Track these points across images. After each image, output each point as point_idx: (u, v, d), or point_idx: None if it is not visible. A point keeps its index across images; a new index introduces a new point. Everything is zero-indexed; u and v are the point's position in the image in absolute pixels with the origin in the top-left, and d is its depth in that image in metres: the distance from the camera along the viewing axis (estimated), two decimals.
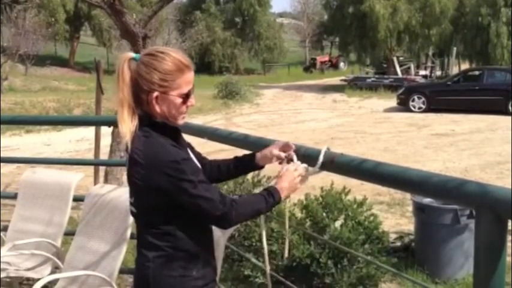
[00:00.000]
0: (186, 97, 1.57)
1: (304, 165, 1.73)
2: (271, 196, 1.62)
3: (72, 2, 29.85)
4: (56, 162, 5.42)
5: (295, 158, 1.74)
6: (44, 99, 17.34)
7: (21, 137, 12.51)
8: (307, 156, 1.79)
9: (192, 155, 1.66)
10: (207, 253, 1.64)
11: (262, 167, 1.83)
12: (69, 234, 3.21)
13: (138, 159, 1.52)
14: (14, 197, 3.56)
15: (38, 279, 2.72)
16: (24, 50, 21.09)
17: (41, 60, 26.76)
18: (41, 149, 10.79)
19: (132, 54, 1.58)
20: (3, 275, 3.06)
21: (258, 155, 1.79)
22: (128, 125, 1.53)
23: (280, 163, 1.76)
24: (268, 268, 2.03)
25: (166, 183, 1.49)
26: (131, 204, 1.63)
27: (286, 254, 1.95)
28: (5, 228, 3.51)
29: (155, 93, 1.53)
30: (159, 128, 1.55)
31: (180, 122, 1.60)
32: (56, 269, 3.15)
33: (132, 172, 1.56)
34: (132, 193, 1.60)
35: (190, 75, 1.58)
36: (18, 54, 21.00)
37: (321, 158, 1.74)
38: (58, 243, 3.19)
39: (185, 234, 1.56)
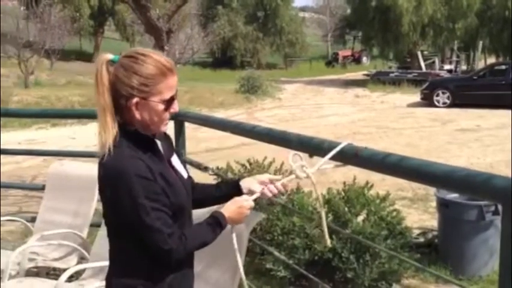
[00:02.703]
0: (168, 103, 1.46)
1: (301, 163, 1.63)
2: (219, 225, 1.53)
3: None
4: (81, 155, 5.51)
5: (299, 163, 1.62)
6: (69, 93, 17.62)
7: (47, 130, 12.75)
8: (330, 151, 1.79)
9: (172, 168, 1.54)
10: (162, 270, 1.49)
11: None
12: (95, 225, 3.28)
13: (100, 168, 1.45)
14: (42, 188, 3.64)
15: (65, 270, 2.78)
16: (50, 45, 21.43)
17: (66, 55, 27.18)
18: (67, 142, 10.97)
19: (111, 56, 1.47)
20: (31, 264, 3.14)
21: (242, 185, 1.65)
22: (111, 133, 1.42)
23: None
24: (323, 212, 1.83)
25: (117, 198, 1.41)
26: None
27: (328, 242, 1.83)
28: (33, 219, 3.60)
29: (135, 99, 1.42)
30: (130, 138, 1.44)
31: (163, 128, 1.51)
32: (82, 259, 3.22)
33: (98, 180, 1.49)
34: None
35: (173, 80, 1.46)
36: (44, 49, 21.35)
37: (326, 158, 1.68)
38: (84, 234, 3.25)
39: (137, 250, 1.46)
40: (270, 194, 1.62)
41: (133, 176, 1.38)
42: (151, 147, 1.48)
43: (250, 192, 1.62)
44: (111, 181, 1.42)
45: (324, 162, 1.72)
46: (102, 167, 1.44)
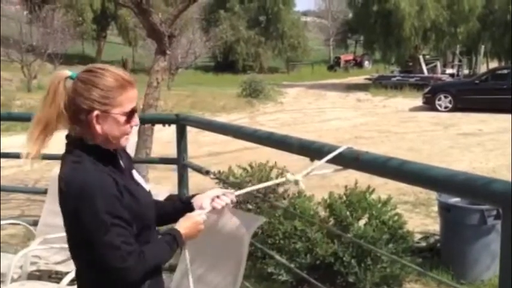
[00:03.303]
0: (129, 116, 1.46)
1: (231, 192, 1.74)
2: (176, 243, 1.54)
3: (99, 2, 30.33)
4: None
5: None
6: None
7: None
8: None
9: (134, 183, 1.53)
10: (142, 284, 1.48)
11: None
12: None
13: (60, 183, 1.43)
14: (44, 192, 3.65)
15: (67, 273, 2.79)
16: (52, 49, 21.51)
17: (69, 59, 27.23)
18: None
19: (69, 73, 1.47)
20: (33, 268, 3.14)
21: (194, 203, 1.68)
22: (36, 146, 1.44)
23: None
24: None
25: (79, 213, 1.38)
26: None
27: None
28: (35, 223, 3.60)
29: (95, 112, 1.42)
30: (91, 153, 1.44)
31: (124, 143, 1.49)
32: None
33: (58, 196, 1.47)
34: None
35: (133, 93, 1.47)
36: (47, 53, 21.43)
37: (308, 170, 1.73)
38: None
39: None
40: (219, 206, 1.67)
41: (97, 191, 1.38)
42: (112, 161, 1.49)
43: (201, 209, 1.65)
44: (75, 195, 1.39)
45: (320, 166, 1.75)
46: (64, 181, 1.42)
